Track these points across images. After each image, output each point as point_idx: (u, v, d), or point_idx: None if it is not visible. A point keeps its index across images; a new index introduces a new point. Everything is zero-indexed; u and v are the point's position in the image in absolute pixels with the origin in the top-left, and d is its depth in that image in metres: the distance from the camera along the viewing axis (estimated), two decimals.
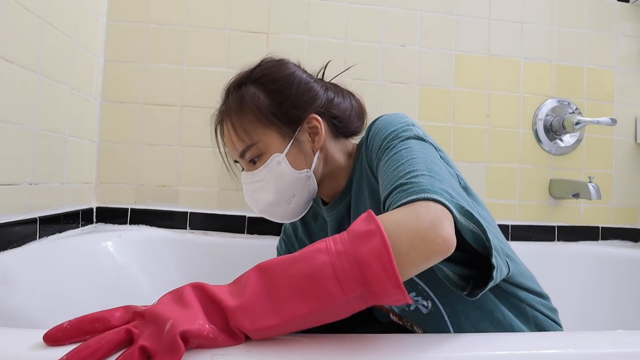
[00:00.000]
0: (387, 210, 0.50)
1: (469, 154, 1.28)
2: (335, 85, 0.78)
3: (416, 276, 0.62)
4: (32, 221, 0.83)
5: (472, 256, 0.54)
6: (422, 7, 1.28)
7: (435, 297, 0.62)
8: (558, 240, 1.31)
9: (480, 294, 0.51)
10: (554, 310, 0.69)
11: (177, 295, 0.42)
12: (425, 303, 0.63)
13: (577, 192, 1.21)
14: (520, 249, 1.24)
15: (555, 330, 0.66)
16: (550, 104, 1.32)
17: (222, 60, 1.20)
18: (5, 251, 0.74)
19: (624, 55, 1.38)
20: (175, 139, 1.18)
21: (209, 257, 1.11)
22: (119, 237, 1.03)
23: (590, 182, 1.17)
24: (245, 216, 1.18)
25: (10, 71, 0.75)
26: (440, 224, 0.43)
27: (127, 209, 1.15)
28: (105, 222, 1.14)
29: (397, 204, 0.47)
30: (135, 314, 0.40)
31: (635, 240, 1.36)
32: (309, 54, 1.22)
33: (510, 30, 1.32)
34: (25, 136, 0.81)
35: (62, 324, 0.39)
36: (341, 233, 0.43)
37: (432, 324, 0.64)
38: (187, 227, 1.17)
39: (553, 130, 1.31)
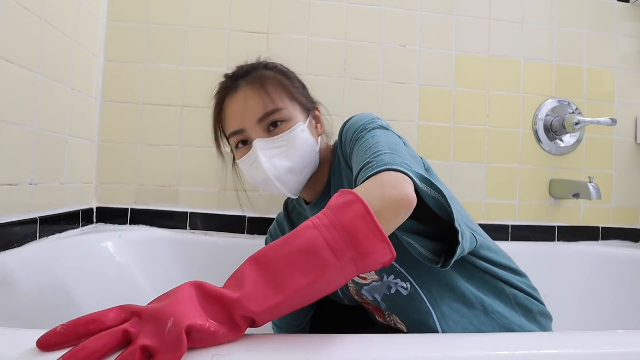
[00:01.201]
0: (357, 185, 0.57)
1: (469, 154, 1.28)
2: None
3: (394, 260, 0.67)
4: (32, 221, 0.83)
5: (441, 233, 0.60)
6: (422, 7, 1.28)
7: (412, 279, 0.67)
8: (558, 240, 1.31)
9: (452, 261, 0.57)
10: (535, 289, 0.72)
11: (172, 293, 0.42)
12: (404, 285, 0.67)
13: (577, 192, 1.21)
14: (520, 249, 1.24)
15: (538, 309, 0.69)
16: (550, 104, 1.32)
17: (222, 60, 1.20)
18: (5, 251, 0.74)
19: (624, 55, 1.38)
20: (175, 139, 1.18)
21: (209, 257, 1.11)
22: (119, 237, 1.03)
23: (590, 182, 1.17)
24: (245, 216, 1.18)
25: (10, 71, 0.75)
26: (401, 185, 0.51)
27: (127, 209, 1.15)
28: (105, 222, 1.14)
29: (364, 178, 0.54)
30: (130, 313, 0.40)
31: (635, 240, 1.36)
32: (309, 54, 1.22)
33: (510, 30, 1.32)
34: (25, 136, 0.81)
35: (56, 328, 0.38)
36: (322, 210, 0.47)
37: (413, 306, 0.67)
38: (187, 227, 1.17)
39: (553, 130, 1.31)
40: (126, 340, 0.37)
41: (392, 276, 0.68)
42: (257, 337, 0.43)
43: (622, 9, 1.38)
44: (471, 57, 1.29)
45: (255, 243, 1.14)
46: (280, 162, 0.71)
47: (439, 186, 0.55)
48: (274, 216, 1.19)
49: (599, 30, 1.36)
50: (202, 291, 0.42)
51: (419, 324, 0.66)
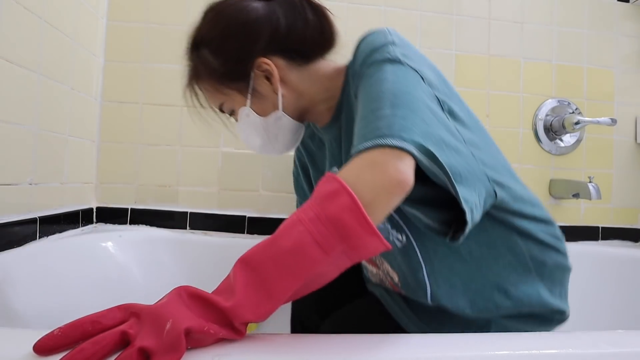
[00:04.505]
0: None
1: None
2: (287, 2, 0.67)
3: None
4: (32, 221, 0.83)
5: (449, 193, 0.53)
6: (422, 7, 1.28)
7: (409, 230, 0.62)
8: None
9: (462, 238, 0.52)
10: (557, 237, 0.66)
11: (167, 299, 0.41)
12: (399, 237, 0.63)
13: (577, 192, 1.21)
14: None
15: (554, 261, 0.64)
16: (550, 104, 1.32)
17: None
18: (5, 251, 0.74)
19: (624, 55, 1.38)
20: (175, 139, 1.18)
21: (209, 257, 1.11)
22: (119, 237, 1.03)
23: (590, 182, 1.17)
24: (245, 216, 1.18)
25: (10, 71, 0.75)
26: (395, 167, 0.45)
27: (127, 209, 1.15)
28: (105, 222, 1.14)
29: (355, 152, 0.48)
30: (129, 314, 0.40)
31: (635, 240, 1.36)
32: None
33: (510, 30, 1.32)
34: (25, 136, 0.81)
35: (53, 331, 0.37)
36: (308, 200, 0.45)
37: (405, 258, 0.63)
38: (187, 227, 1.17)
39: (553, 130, 1.31)
40: (124, 341, 0.37)
41: (389, 225, 0.64)
42: (257, 337, 0.43)
43: (622, 9, 1.38)
44: (471, 57, 1.29)
45: (255, 243, 1.14)
46: (253, 141, 0.73)
47: (445, 158, 0.48)
48: (275, 216, 1.19)
49: (599, 30, 1.36)
50: (195, 296, 0.41)
51: (408, 276, 0.64)
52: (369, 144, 0.47)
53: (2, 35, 0.72)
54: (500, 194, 0.58)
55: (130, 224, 1.15)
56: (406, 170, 0.46)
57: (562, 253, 0.66)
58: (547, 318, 0.64)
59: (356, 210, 0.42)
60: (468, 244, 0.59)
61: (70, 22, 0.96)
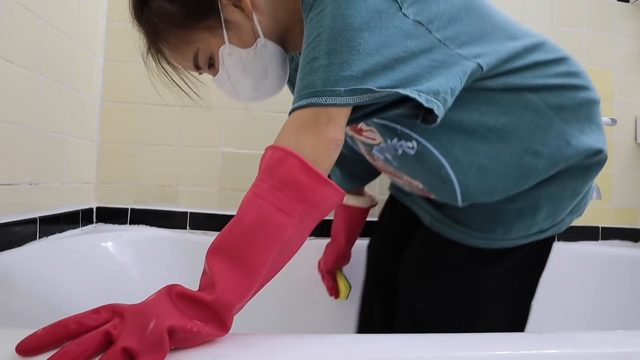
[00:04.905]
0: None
1: None
2: None
3: (392, 122, 0.61)
4: (32, 221, 0.83)
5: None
6: None
7: (417, 134, 0.61)
8: (558, 240, 1.31)
9: (436, 120, 0.52)
10: (570, 74, 0.63)
11: (153, 297, 0.41)
12: (409, 144, 0.63)
13: None
14: None
15: (573, 100, 0.62)
16: None
17: None
18: (5, 251, 0.74)
19: (624, 55, 1.37)
20: (175, 139, 1.18)
21: None
22: (119, 237, 1.03)
23: None
24: None
25: (10, 71, 0.75)
26: (327, 128, 0.48)
27: (127, 209, 1.15)
28: (105, 222, 1.14)
29: (292, 110, 0.51)
30: (112, 313, 0.39)
31: (635, 240, 1.36)
32: None
33: None
34: (25, 136, 0.81)
35: (36, 331, 0.37)
36: (258, 176, 0.48)
37: (422, 162, 0.63)
38: (187, 227, 1.17)
39: None
40: (108, 341, 0.37)
41: (396, 139, 0.63)
42: (257, 337, 0.43)
43: (622, 9, 1.38)
44: None
45: None
46: (242, 89, 0.66)
47: (379, 81, 0.48)
48: None
49: (599, 30, 1.36)
50: (181, 294, 0.41)
51: (431, 179, 0.64)
52: (303, 102, 0.49)
53: (2, 35, 0.72)
54: (487, 61, 0.55)
55: (130, 224, 1.15)
56: (336, 128, 0.49)
57: (581, 87, 0.64)
58: (587, 166, 0.63)
59: (305, 168, 0.45)
60: (481, 121, 0.60)
61: (70, 22, 0.96)
